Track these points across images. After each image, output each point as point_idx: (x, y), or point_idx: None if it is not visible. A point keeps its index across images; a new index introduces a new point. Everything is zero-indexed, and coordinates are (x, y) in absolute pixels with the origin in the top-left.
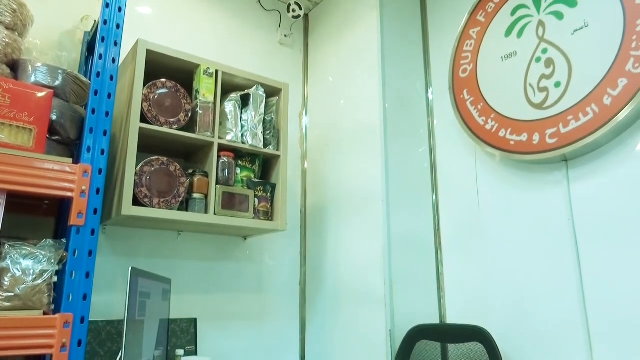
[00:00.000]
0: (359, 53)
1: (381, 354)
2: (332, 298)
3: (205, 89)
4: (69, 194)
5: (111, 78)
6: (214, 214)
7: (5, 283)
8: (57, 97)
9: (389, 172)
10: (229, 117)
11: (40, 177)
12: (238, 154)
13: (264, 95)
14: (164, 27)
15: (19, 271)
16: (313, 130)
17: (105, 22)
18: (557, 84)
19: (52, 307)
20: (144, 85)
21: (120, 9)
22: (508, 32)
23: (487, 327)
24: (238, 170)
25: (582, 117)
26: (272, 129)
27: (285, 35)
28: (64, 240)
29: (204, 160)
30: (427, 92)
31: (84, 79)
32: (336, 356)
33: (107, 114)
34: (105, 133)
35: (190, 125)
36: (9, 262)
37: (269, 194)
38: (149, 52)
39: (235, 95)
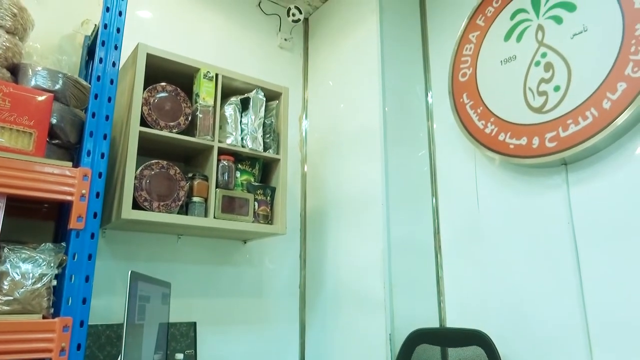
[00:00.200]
0: (359, 57)
1: (381, 358)
2: (332, 302)
3: (205, 93)
4: (68, 197)
5: (111, 82)
6: (214, 217)
7: (5, 287)
8: (57, 101)
9: (388, 175)
10: (229, 120)
11: (40, 180)
12: (238, 157)
13: (264, 99)
14: (164, 30)
15: (18, 275)
16: (313, 133)
17: (105, 26)
18: (557, 88)
19: (52, 311)
20: (144, 89)
21: (120, 13)
22: (507, 36)
23: (487, 330)
24: (238, 174)
25: (582, 121)
26: (272, 133)
27: (285, 39)
28: (63, 244)
29: (204, 164)
30: (426, 96)
31: (84, 82)
32: None
33: (107, 117)
34: (105, 137)
35: (190, 129)
36: (9, 266)
37: (268, 198)
38: (149, 56)
39: (235, 99)
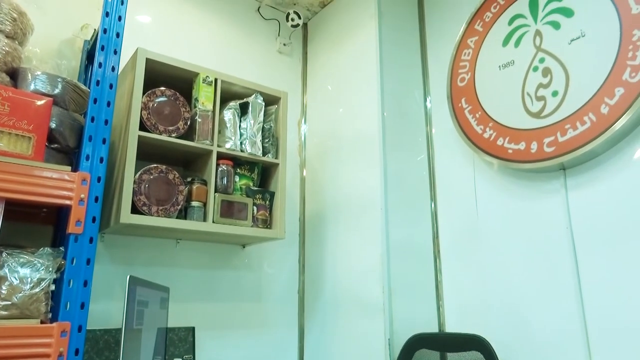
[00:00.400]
0: (358, 62)
1: None
2: (330, 306)
3: (205, 97)
4: (67, 202)
5: (110, 86)
6: (213, 222)
7: (3, 292)
8: (57, 105)
9: (387, 180)
10: (228, 125)
11: (39, 185)
12: (237, 162)
13: (263, 103)
14: (164, 35)
15: (16, 279)
16: (312, 138)
17: (105, 30)
18: (555, 93)
19: (50, 315)
20: (143, 94)
21: (120, 18)
22: (505, 42)
23: (486, 335)
24: (237, 179)
25: (580, 126)
26: (271, 137)
27: (284, 44)
28: (62, 249)
29: (203, 169)
30: (425, 100)
31: (83, 87)
32: None
33: (106, 122)
34: (104, 141)
35: (189, 134)
36: (7, 271)
37: (267, 202)
38: (149, 61)
39: (234, 104)
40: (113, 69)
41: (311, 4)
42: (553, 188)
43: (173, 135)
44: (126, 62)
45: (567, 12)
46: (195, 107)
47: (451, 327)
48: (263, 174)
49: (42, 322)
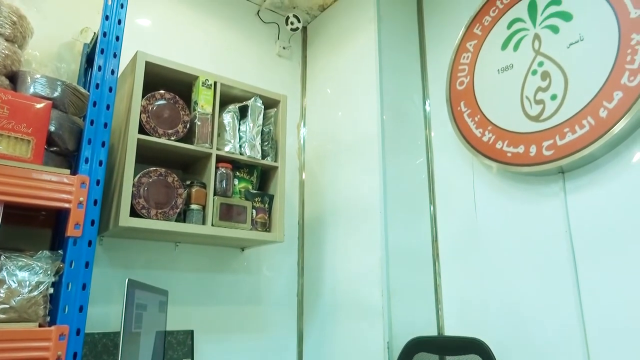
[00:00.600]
0: (357, 65)
1: None
2: (329, 310)
3: (204, 101)
4: (66, 205)
5: (110, 90)
6: (212, 225)
7: (1, 295)
8: (56, 109)
9: (386, 183)
10: (227, 128)
11: (38, 188)
12: (236, 165)
13: (262, 106)
14: (163, 39)
15: (14, 283)
16: (311, 141)
17: (104, 34)
18: (554, 97)
19: (48, 319)
20: (143, 97)
21: (119, 22)
22: (504, 45)
23: (485, 338)
24: (236, 182)
25: (579, 130)
26: (270, 141)
27: (284, 48)
28: (60, 252)
29: (202, 172)
30: (424, 104)
31: (82, 90)
32: None
33: (105, 125)
34: (103, 144)
35: (188, 137)
36: (5, 274)
37: (266, 205)
38: (148, 64)
39: (233, 107)
40: (112, 72)
41: (311, 7)
42: (552, 191)
43: (172, 138)
44: (126, 65)
45: (566, 16)
46: (194, 110)
47: (450, 331)
48: (262, 177)
49: (40, 326)
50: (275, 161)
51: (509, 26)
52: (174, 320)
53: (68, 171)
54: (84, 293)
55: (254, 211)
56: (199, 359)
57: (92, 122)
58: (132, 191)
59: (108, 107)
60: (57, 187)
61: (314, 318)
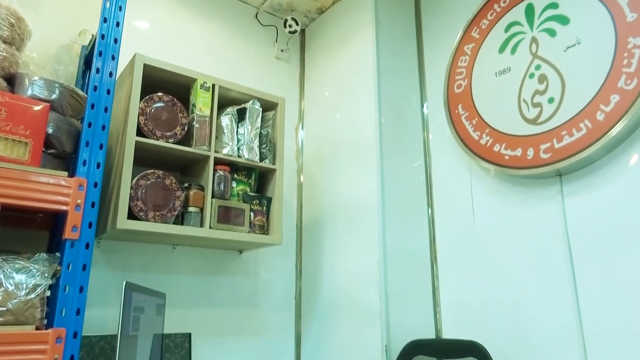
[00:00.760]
0: (355, 68)
1: None
2: (327, 312)
3: (202, 103)
4: (63, 207)
5: (108, 92)
6: (210, 227)
7: None
8: (54, 111)
9: (384, 186)
10: (225, 131)
11: (35, 190)
12: (234, 167)
13: (261, 109)
14: (161, 41)
15: (11, 285)
16: (309, 144)
17: (103, 36)
18: (551, 100)
19: (45, 322)
20: (141, 99)
21: (118, 24)
22: (502, 49)
23: (483, 341)
24: (234, 184)
25: (576, 133)
26: (268, 143)
27: (282, 50)
28: (57, 254)
29: (200, 174)
30: (422, 107)
31: (80, 92)
32: None
33: (103, 127)
34: (101, 146)
35: (186, 139)
36: (2, 276)
37: (264, 208)
38: (146, 66)
39: (231, 109)
40: (111, 74)
41: (309, 10)
42: (549, 194)
43: (170, 140)
44: (124, 68)
45: (563, 20)
46: (192, 112)
47: (448, 334)
48: (260, 180)
49: (37, 329)
50: (274, 164)
51: (507, 29)
52: (171, 323)
53: (66, 173)
54: (81, 296)
55: (252, 214)
56: None
57: (90, 125)
58: (130, 193)
59: (106, 109)
60: (54, 189)
61: (312, 321)
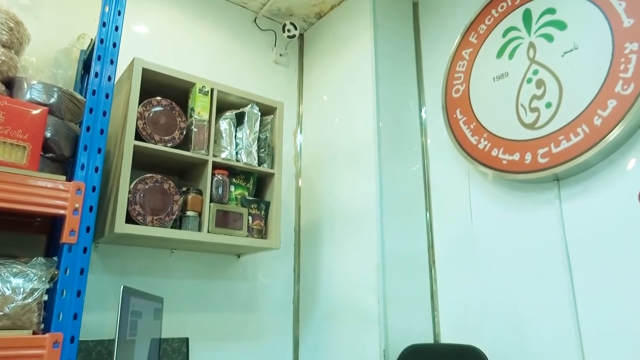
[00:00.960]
0: (353, 73)
1: None
2: (325, 317)
3: (201, 107)
4: (61, 211)
5: (107, 96)
6: (208, 232)
7: None
8: (52, 115)
9: (382, 190)
10: (224, 135)
11: (33, 194)
12: (232, 171)
13: (259, 113)
14: (160, 45)
15: (8, 290)
16: (307, 148)
17: (101, 40)
18: (548, 105)
19: (42, 326)
20: (139, 103)
21: (116, 28)
22: (499, 54)
23: (481, 345)
24: (232, 188)
25: (573, 137)
26: (266, 147)
27: (281, 55)
28: (55, 258)
29: (198, 178)
30: (420, 111)
31: (79, 96)
32: None
33: (101, 131)
34: (99, 151)
35: (185, 143)
36: None
37: (263, 212)
38: (145, 71)
39: (230, 114)
40: (109, 78)
41: (307, 15)
42: (547, 199)
43: (169, 145)
44: (122, 72)
45: (560, 25)
46: (191, 116)
47: (446, 338)
48: (258, 184)
49: (34, 333)
50: (272, 168)
51: (504, 34)
52: (169, 328)
53: (64, 177)
54: (79, 300)
55: (250, 218)
56: None
57: (88, 129)
58: (128, 198)
59: (104, 113)
60: (52, 193)
61: (310, 325)
